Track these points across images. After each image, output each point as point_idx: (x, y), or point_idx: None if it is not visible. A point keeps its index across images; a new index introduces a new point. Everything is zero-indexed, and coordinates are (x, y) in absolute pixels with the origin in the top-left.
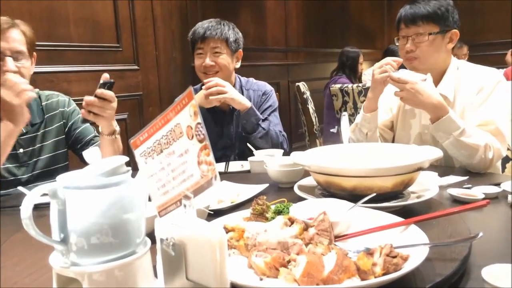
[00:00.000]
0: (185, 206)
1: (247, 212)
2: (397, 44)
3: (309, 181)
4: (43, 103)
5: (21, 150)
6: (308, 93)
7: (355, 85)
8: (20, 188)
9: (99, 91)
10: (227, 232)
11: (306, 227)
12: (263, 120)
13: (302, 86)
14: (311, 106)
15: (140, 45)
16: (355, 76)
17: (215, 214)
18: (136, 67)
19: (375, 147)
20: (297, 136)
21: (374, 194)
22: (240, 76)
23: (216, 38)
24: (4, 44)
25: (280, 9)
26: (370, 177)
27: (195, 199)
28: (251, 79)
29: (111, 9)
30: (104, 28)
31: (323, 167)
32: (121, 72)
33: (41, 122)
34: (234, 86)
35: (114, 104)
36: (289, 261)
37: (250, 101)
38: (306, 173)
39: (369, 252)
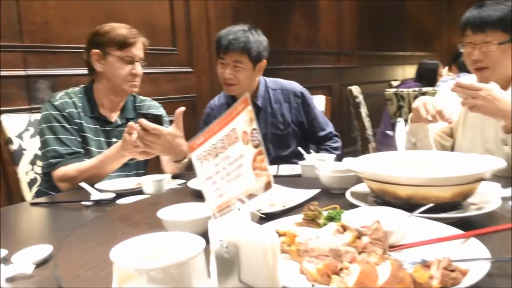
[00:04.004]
0: (239, 209)
1: (298, 217)
2: (461, 50)
3: (362, 187)
4: (137, 103)
5: (114, 140)
6: (361, 97)
7: (411, 89)
8: (82, 184)
9: (140, 120)
10: (279, 237)
11: (359, 235)
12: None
13: (355, 89)
14: (363, 110)
15: (195, 47)
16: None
17: (266, 217)
18: (190, 69)
19: (432, 155)
20: (349, 140)
21: (432, 205)
22: (266, 78)
23: (238, 52)
24: (135, 51)
25: (334, 10)
26: (426, 186)
27: (249, 203)
28: (279, 80)
29: (168, 13)
30: (160, 31)
31: (377, 174)
32: (176, 75)
33: (133, 118)
34: (257, 89)
35: (161, 141)
36: (341, 269)
37: (279, 101)
38: (358, 180)
39: (425, 265)
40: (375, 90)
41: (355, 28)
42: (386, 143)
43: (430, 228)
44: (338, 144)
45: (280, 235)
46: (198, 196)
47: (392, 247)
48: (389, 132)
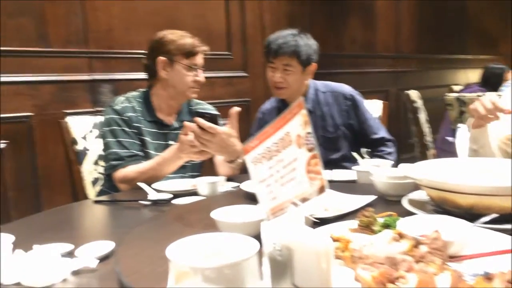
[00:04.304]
0: (292, 212)
1: (353, 223)
2: None
3: (419, 195)
4: (192, 107)
5: (171, 142)
6: (419, 102)
7: (473, 94)
8: (140, 184)
9: (196, 118)
10: (332, 242)
11: (417, 244)
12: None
13: (413, 94)
14: (422, 116)
15: (250, 52)
16: None
17: (320, 222)
18: (245, 74)
19: (496, 162)
20: (406, 146)
21: (496, 215)
22: (316, 81)
23: (288, 55)
24: (198, 60)
25: (391, 12)
26: (490, 195)
27: (302, 207)
28: (329, 82)
29: (223, 19)
30: (216, 36)
31: (437, 181)
32: (230, 79)
33: (189, 121)
34: (307, 93)
35: (216, 140)
36: (397, 278)
37: (328, 104)
38: (416, 187)
39: (488, 277)
40: (435, 95)
41: (414, 30)
42: (447, 150)
43: (492, 239)
44: (392, 149)
45: (333, 240)
46: (251, 198)
47: (452, 258)
48: (450, 138)
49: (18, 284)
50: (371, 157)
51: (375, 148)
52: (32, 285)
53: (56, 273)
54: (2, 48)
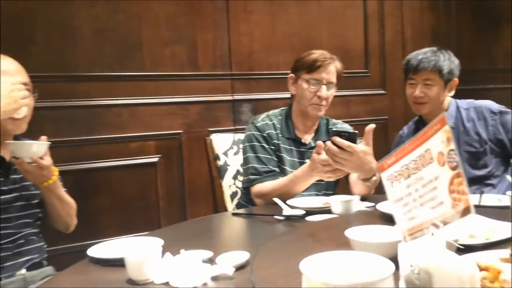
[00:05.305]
0: (432, 234)
1: (504, 253)
2: None
3: None
4: (330, 126)
5: (307, 161)
6: None
7: None
8: (275, 199)
9: (334, 137)
10: (479, 271)
11: None
12: None
13: None
14: None
15: (388, 69)
16: None
17: (465, 249)
18: (383, 91)
19: None
20: None
21: None
22: (457, 100)
23: (429, 70)
24: (323, 75)
25: None
26: None
27: (444, 229)
28: (470, 100)
29: (362, 37)
30: (354, 54)
31: None
32: (367, 97)
33: (326, 140)
34: (447, 110)
35: (353, 159)
36: None
37: (472, 120)
38: None
39: None
40: None
41: None
42: None
43: None
44: None
45: (481, 269)
46: (387, 219)
47: None
48: None
49: (167, 284)
50: None
51: None
52: (178, 285)
53: (198, 277)
54: (159, 73)
